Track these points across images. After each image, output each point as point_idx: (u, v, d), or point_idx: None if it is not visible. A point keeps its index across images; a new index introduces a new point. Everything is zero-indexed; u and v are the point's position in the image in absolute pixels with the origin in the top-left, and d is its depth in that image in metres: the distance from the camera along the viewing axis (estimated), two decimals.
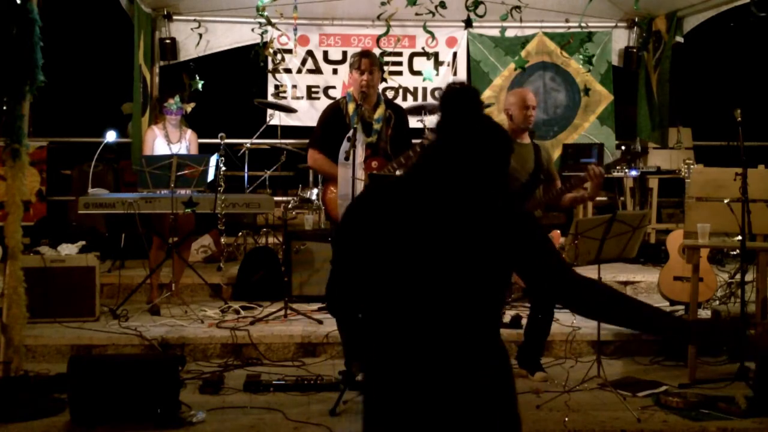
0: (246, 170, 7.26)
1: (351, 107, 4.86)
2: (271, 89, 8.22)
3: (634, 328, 2.40)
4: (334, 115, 4.92)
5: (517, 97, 5.06)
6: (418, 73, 8.31)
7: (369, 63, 4.81)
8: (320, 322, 5.75)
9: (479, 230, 2.23)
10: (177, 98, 6.48)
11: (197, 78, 7.82)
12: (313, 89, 8.30)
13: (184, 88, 7.66)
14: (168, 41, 8.00)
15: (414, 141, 4.83)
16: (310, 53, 8.26)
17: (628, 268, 7.04)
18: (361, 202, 2.39)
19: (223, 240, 7.22)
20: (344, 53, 8.17)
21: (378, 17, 7.49)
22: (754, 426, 4.28)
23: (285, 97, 8.18)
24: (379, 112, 4.88)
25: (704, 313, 5.84)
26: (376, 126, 4.84)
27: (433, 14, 7.28)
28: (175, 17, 8.08)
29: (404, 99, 8.26)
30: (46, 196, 8.00)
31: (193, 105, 6.78)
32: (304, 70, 8.27)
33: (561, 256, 2.31)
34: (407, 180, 2.41)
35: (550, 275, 2.27)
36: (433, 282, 2.22)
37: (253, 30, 7.85)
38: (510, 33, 8.00)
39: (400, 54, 8.30)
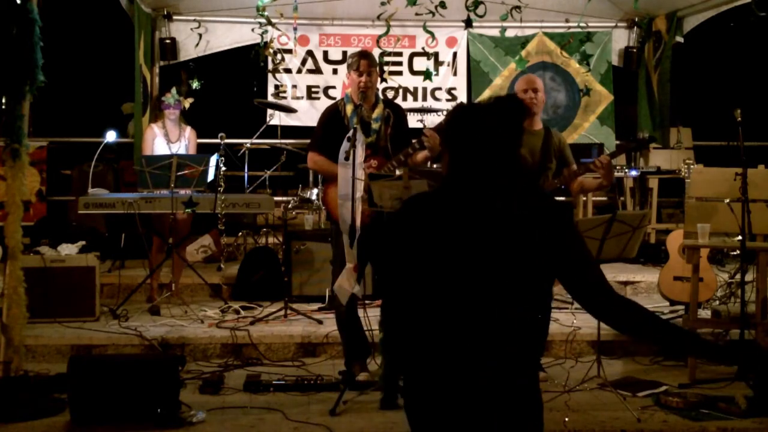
0: (246, 170, 7.26)
1: (349, 108, 4.85)
2: (271, 89, 8.22)
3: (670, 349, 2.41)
4: (332, 117, 4.92)
5: (519, 82, 5.02)
6: (418, 73, 8.30)
7: (367, 64, 4.81)
8: (320, 322, 5.76)
9: (511, 228, 2.23)
10: (174, 91, 6.48)
11: (196, 78, 7.81)
12: (313, 89, 8.29)
13: (182, 83, 7.66)
14: (168, 41, 7.99)
15: (414, 140, 4.82)
16: (310, 53, 8.26)
17: (628, 268, 7.04)
18: (399, 217, 2.43)
19: (223, 240, 7.23)
20: (344, 53, 8.16)
21: (378, 17, 7.49)
22: (754, 426, 4.28)
23: (285, 97, 8.18)
24: (378, 111, 4.87)
25: (704, 313, 5.84)
26: (375, 125, 4.83)
27: (433, 14, 7.29)
28: (175, 17, 8.07)
29: (404, 99, 8.25)
30: (46, 196, 8.00)
31: (191, 100, 6.77)
32: (304, 70, 8.26)
33: (597, 267, 2.30)
34: (442, 187, 2.43)
35: (583, 283, 2.26)
36: (470, 284, 2.24)
37: (253, 30, 7.85)
38: (510, 33, 8.00)
39: (400, 54, 8.30)
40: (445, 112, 7.53)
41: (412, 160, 4.76)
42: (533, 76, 5.10)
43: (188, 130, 6.62)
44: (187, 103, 6.69)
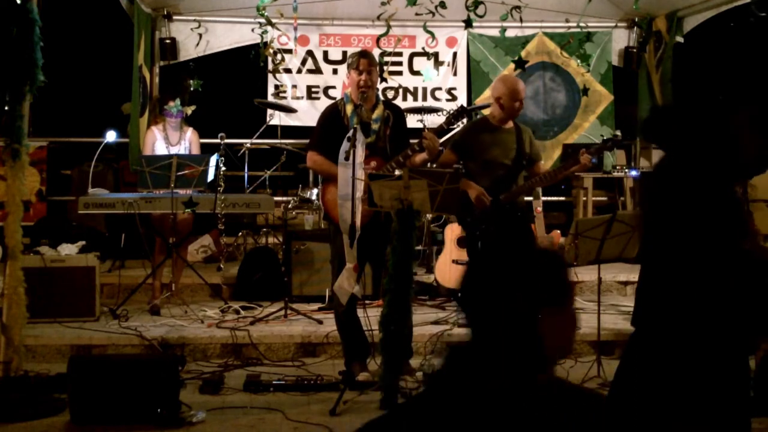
0: (246, 170, 7.26)
1: (349, 108, 4.85)
2: (271, 89, 8.22)
3: None
4: (332, 116, 4.92)
5: (508, 87, 5.17)
6: (418, 73, 8.30)
7: (368, 63, 4.81)
8: (320, 322, 5.75)
9: None
10: (177, 101, 6.47)
11: (197, 78, 7.81)
12: (313, 89, 8.29)
13: (185, 91, 7.65)
14: (168, 41, 7.99)
15: (412, 141, 4.82)
16: (310, 53, 8.26)
17: (628, 268, 7.03)
18: None
19: (223, 240, 7.23)
20: (344, 53, 8.16)
21: (378, 17, 7.50)
22: (754, 426, 4.26)
23: (285, 97, 8.18)
24: (378, 112, 4.86)
25: None
26: (374, 126, 4.83)
27: (433, 14, 7.29)
28: (175, 17, 8.07)
29: (404, 99, 8.25)
30: (46, 196, 8.00)
31: (193, 107, 6.78)
32: (304, 70, 8.26)
33: None
34: None
35: None
36: None
37: (253, 30, 7.85)
38: (510, 33, 8.01)
39: (400, 54, 8.29)
40: (445, 112, 7.54)
41: (410, 161, 4.76)
42: (521, 84, 5.21)
43: (189, 132, 6.60)
44: (189, 110, 6.69)
